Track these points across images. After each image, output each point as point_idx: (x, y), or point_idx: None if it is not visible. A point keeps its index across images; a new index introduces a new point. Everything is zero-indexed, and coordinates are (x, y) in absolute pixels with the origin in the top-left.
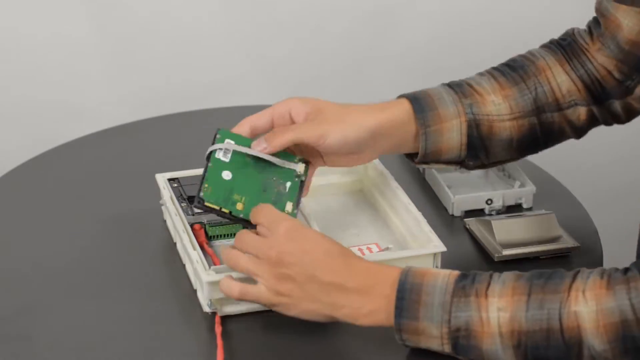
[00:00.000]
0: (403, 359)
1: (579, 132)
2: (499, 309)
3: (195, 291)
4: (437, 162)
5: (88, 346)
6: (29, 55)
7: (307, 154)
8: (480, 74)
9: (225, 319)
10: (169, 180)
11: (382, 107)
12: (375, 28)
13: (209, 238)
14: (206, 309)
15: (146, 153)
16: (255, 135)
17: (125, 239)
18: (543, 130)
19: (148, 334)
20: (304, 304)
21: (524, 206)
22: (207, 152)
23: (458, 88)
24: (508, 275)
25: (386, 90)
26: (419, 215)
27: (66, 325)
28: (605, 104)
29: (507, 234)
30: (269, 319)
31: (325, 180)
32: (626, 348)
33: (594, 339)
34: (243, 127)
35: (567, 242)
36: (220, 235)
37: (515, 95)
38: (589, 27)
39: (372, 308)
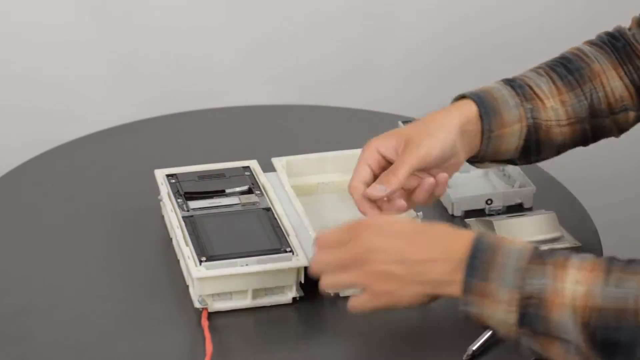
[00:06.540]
0: None
1: (623, 131)
2: (576, 281)
3: (188, 287)
4: (491, 161)
5: (88, 345)
6: (29, 55)
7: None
8: (538, 74)
9: (217, 315)
10: (168, 176)
11: (452, 108)
12: (376, 29)
13: None
14: (197, 304)
15: (146, 153)
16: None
17: (125, 239)
18: (594, 133)
19: (148, 332)
20: (407, 292)
21: (524, 206)
22: None
23: (520, 90)
24: (588, 255)
25: (387, 90)
26: (412, 212)
27: (66, 325)
28: None
29: (508, 234)
30: (259, 315)
31: (323, 179)
32: None
33: None
34: (361, 199)
35: (568, 241)
36: None
37: (572, 101)
38: None
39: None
